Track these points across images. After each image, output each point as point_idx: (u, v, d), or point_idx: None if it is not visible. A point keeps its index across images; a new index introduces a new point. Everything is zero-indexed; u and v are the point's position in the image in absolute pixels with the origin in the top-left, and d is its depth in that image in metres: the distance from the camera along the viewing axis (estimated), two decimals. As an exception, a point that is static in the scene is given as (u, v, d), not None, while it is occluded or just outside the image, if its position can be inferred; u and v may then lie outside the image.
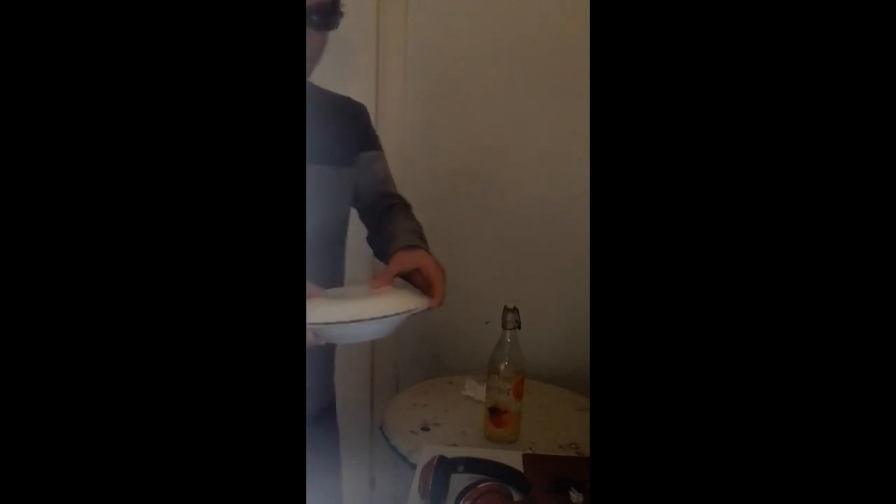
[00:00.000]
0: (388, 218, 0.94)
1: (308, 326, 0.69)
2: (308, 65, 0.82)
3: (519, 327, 1.00)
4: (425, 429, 1.09)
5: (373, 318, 0.71)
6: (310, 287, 0.73)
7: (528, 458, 0.93)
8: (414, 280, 0.82)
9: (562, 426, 1.11)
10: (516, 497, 0.80)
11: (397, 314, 0.72)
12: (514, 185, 1.43)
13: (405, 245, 0.83)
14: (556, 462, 0.94)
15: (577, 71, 1.26)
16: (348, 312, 0.71)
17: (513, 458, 0.92)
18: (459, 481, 0.79)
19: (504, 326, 1.00)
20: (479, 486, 0.76)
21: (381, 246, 0.91)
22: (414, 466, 0.92)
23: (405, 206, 0.98)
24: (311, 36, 0.80)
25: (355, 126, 0.98)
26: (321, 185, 0.89)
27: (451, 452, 0.88)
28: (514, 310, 1.00)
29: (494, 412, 1.03)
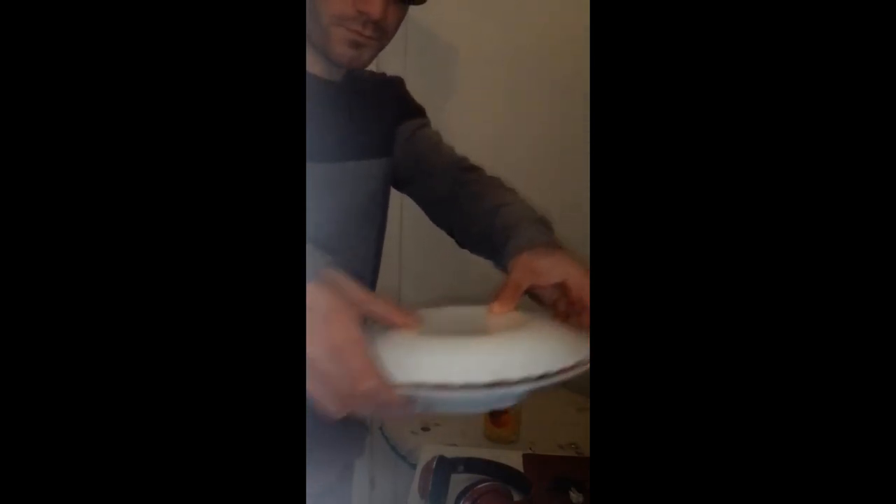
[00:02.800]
0: (475, 187, 0.68)
1: (398, 387, 0.42)
2: (382, 41, 0.64)
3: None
4: (425, 429, 1.09)
5: (523, 381, 0.42)
6: (393, 310, 0.46)
7: (528, 458, 0.93)
8: (543, 296, 0.55)
9: (562, 426, 1.11)
10: (516, 497, 0.80)
11: (562, 371, 0.44)
12: (513, 186, 1.42)
13: (535, 244, 0.56)
14: (556, 462, 0.94)
15: (578, 71, 1.26)
16: (481, 367, 0.42)
17: (513, 458, 0.92)
18: (459, 481, 0.79)
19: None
20: (479, 486, 0.76)
21: (475, 230, 0.65)
22: (414, 466, 0.92)
23: (483, 171, 0.73)
24: (393, 8, 0.61)
25: (389, 103, 0.78)
26: (357, 184, 0.70)
27: (451, 452, 0.88)
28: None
29: (494, 412, 1.03)
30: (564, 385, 1.32)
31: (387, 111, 0.78)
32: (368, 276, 0.78)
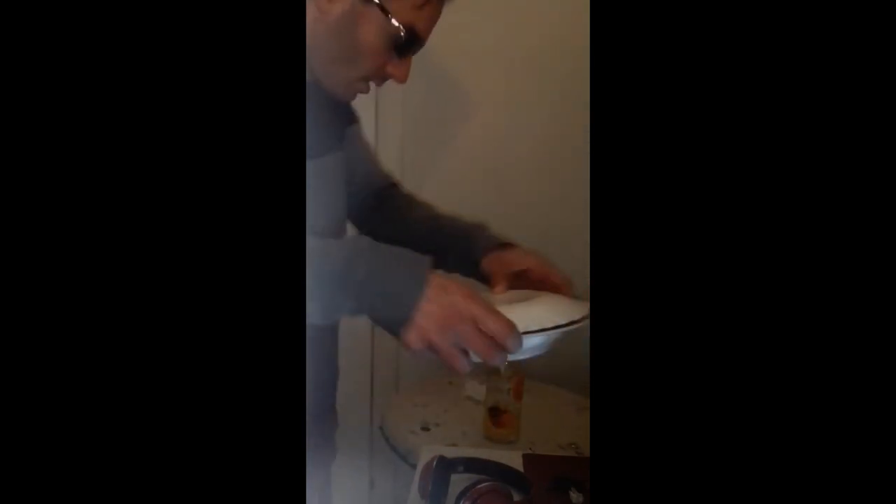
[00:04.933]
0: (401, 201, 0.80)
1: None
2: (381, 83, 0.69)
3: (519, 327, 1.00)
4: (425, 429, 1.09)
5: (569, 324, 0.57)
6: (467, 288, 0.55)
7: (528, 458, 0.93)
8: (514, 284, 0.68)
9: (562, 426, 1.11)
10: (516, 497, 0.80)
11: (583, 318, 0.58)
12: (513, 186, 1.43)
13: (498, 244, 0.71)
14: (556, 462, 0.94)
15: (577, 71, 1.26)
16: (539, 318, 0.56)
17: (513, 458, 0.92)
18: (459, 481, 0.79)
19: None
20: (479, 486, 0.76)
21: (427, 243, 0.71)
22: (414, 466, 0.92)
23: (404, 191, 0.83)
24: (398, 64, 0.66)
25: (342, 106, 0.78)
26: (320, 181, 0.72)
27: (451, 452, 0.88)
28: None
29: (494, 412, 1.03)
30: (564, 385, 1.32)
31: (341, 113, 0.79)
32: None
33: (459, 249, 0.73)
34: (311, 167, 0.66)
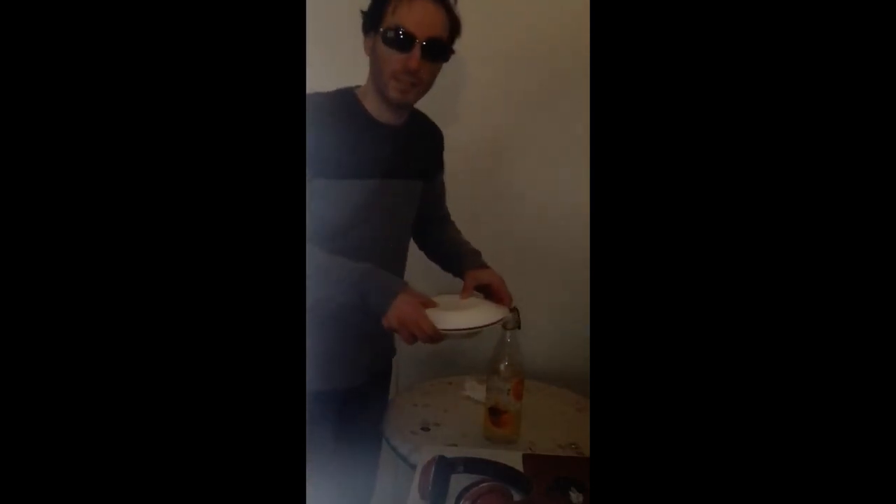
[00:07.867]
0: (443, 229, 1.16)
1: (442, 331, 0.89)
2: (422, 87, 0.96)
3: (519, 327, 1.01)
4: (425, 429, 1.09)
5: (485, 325, 0.91)
6: (426, 298, 0.92)
7: (528, 458, 0.93)
8: (485, 292, 1.03)
9: (562, 426, 1.11)
10: (516, 497, 0.80)
11: (499, 320, 0.94)
12: (513, 186, 1.43)
13: (475, 264, 1.08)
14: (556, 462, 0.94)
15: (578, 72, 1.26)
16: (470, 321, 0.92)
17: (513, 458, 0.92)
18: (459, 481, 0.79)
19: (504, 327, 1.00)
20: (479, 486, 0.76)
21: (442, 255, 1.13)
22: (414, 466, 0.92)
23: (451, 220, 1.20)
24: (426, 65, 0.93)
25: (434, 145, 1.12)
26: (400, 198, 1.04)
27: (451, 452, 0.88)
28: (515, 310, 1.01)
29: (494, 412, 1.03)
30: (564, 385, 1.32)
31: (429, 150, 1.12)
32: (401, 274, 1.13)
33: (459, 264, 1.10)
34: (397, 187, 1.02)
